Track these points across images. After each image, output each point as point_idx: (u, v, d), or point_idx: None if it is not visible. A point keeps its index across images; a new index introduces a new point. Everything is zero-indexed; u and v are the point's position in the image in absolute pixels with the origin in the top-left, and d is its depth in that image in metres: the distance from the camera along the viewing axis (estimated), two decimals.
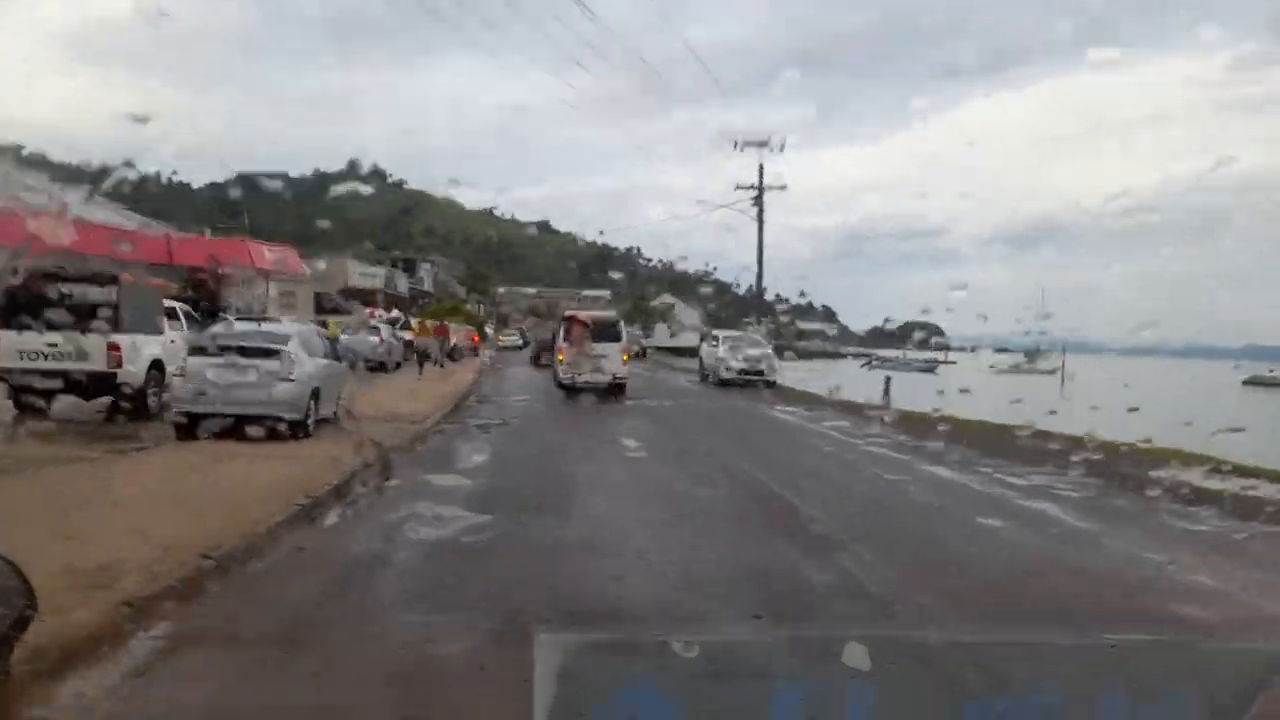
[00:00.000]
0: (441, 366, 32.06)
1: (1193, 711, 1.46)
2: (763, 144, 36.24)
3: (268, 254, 41.56)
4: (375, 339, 30.63)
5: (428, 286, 76.21)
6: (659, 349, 76.50)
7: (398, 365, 30.51)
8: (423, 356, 30.07)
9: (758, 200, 36.82)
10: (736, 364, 30.42)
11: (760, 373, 30.47)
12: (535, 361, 37.84)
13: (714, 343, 32.38)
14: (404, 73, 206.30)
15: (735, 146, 36.33)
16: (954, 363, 78.64)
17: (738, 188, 37.08)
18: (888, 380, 24.47)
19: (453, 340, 40.02)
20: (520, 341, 60.34)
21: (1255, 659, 1.59)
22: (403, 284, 68.09)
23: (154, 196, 48.19)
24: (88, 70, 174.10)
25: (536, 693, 1.42)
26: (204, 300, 43.74)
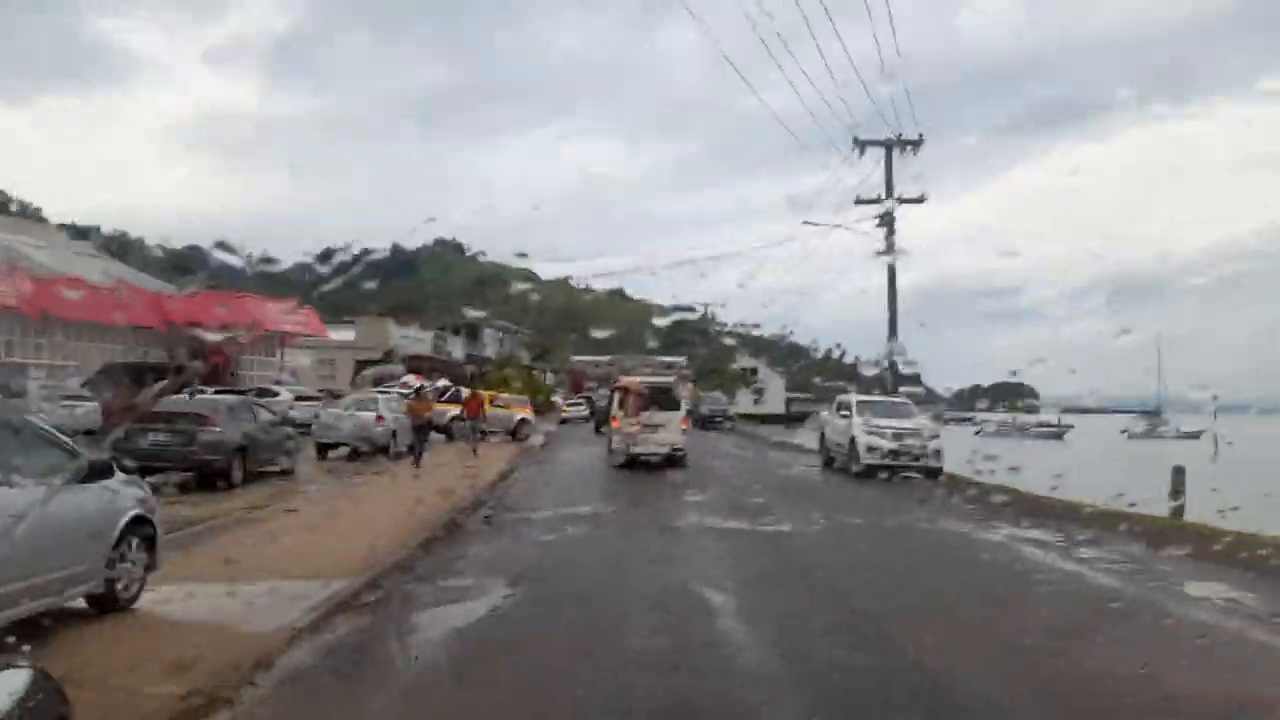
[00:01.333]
0: (475, 451, 22.89)
1: None
2: (895, 143, 26.63)
3: (277, 312, 33.44)
4: (372, 414, 21.68)
5: (489, 353, 67.95)
6: (744, 416, 67.31)
7: (411, 450, 21.32)
8: (421, 436, 20.87)
9: (886, 222, 27.04)
10: (886, 444, 20.40)
11: (921, 458, 20.38)
12: (598, 430, 32.48)
13: (845, 412, 22.33)
14: (480, 151, 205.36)
15: (855, 148, 26.82)
16: (1071, 426, 65.02)
17: (858, 201, 27.35)
18: (1178, 474, 14.13)
19: (514, 413, 30.94)
20: (587, 411, 51.24)
21: None
22: (458, 350, 59.83)
23: (244, 280, 42.96)
24: (188, 159, 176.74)
25: None
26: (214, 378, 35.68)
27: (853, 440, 21.13)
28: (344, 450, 22.18)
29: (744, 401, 76.93)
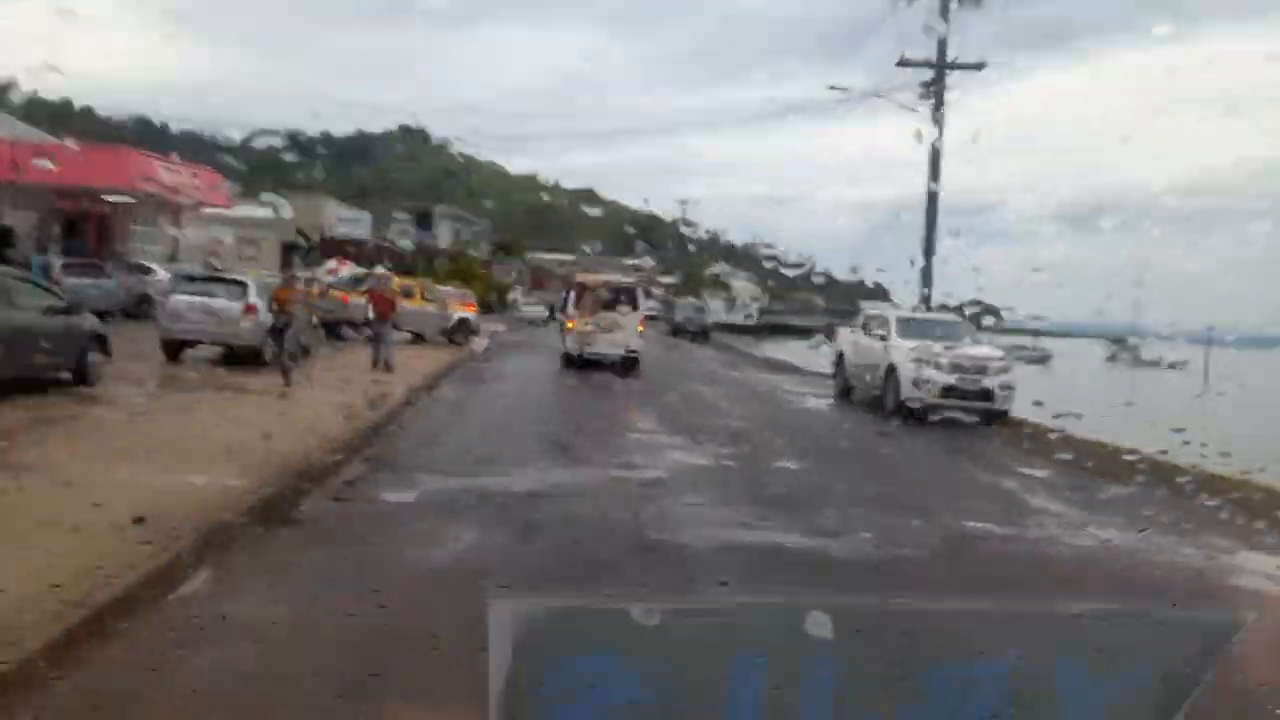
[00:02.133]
0: (382, 365, 16.76)
1: (1145, 679, 1.44)
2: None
3: (165, 174, 26.49)
4: (237, 303, 15.38)
5: (444, 244, 60.99)
6: (720, 326, 62.22)
7: (290, 357, 14.98)
8: (279, 339, 14.39)
9: (934, 85, 20.76)
10: (942, 377, 14.76)
11: (988, 397, 14.86)
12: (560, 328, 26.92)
13: (879, 332, 16.52)
14: (451, 34, 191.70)
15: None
16: (1050, 353, 64.33)
17: (901, 63, 20.98)
18: None
19: (450, 311, 24.90)
20: (545, 314, 45.23)
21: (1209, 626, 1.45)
22: (406, 240, 52.89)
23: (197, 151, 36.15)
24: (132, 24, 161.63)
25: (491, 661, 1.21)
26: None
27: (891, 369, 15.46)
28: (210, 352, 16.07)
29: (719, 310, 71.49)
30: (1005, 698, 1.40)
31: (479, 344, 25.46)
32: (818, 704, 1.33)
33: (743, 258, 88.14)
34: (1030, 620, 1.52)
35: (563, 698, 1.24)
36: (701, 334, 43.76)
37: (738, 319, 72.54)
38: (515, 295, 62.09)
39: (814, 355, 30.40)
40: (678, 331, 42.91)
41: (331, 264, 33.68)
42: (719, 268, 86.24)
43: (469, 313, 24.91)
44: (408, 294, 23.26)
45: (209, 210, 31.62)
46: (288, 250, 40.66)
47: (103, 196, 25.42)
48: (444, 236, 62.87)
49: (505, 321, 43.64)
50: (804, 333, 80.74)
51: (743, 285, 79.92)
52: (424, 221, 62.91)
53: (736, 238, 65.85)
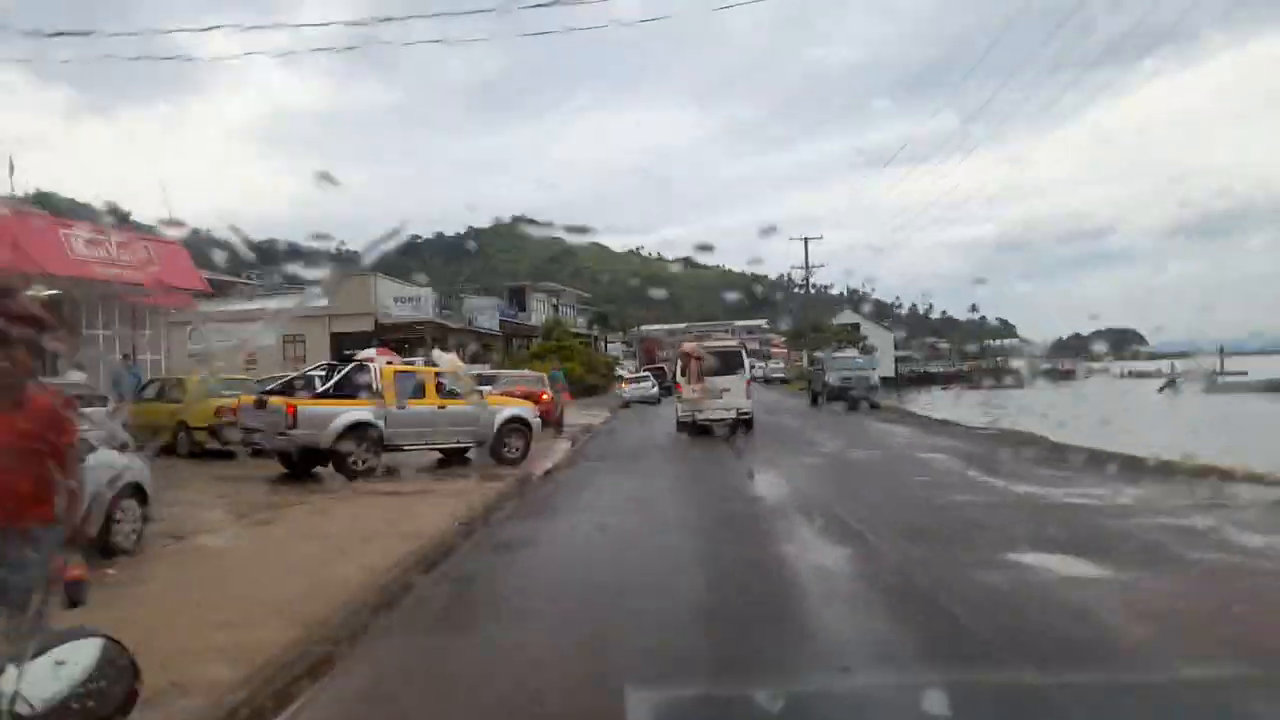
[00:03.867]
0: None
1: None
2: None
3: (81, 244, 17.72)
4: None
5: (536, 321, 51.89)
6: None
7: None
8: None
9: None
10: None
11: None
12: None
13: None
14: (545, 131, 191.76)
15: None
16: (1245, 373, 51.24)
17: None
18: None
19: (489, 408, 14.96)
20: (655, 390, 35.02)
21: None
22: (489, 318, 43.81)
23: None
24: (264, 160, 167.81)
25: None
26: None
27: None
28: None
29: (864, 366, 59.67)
30: None
31: (550, 457, 15.06)
32: None
33: (857, 305, 76.45)
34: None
35: None
36: (867, 401, 29.39)
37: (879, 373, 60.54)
38: (625, 371, 51.79)
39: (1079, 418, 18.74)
40: (834, 397, 29.33)
41: (368, 352, 24.40)
42: (847, 316, 74.04)
43: (526, 409, 14.54)
44: (415, 386, 13.30)
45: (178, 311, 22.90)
46: (338, 341, 31.86)
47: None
48: (540, 315, 53.80)
49: (609, 405, 33.38)
50: (947, 380, 67.35)
51: (879, 332, 67.64)
52: (517, 300, 54.18)
53: (841, 288, 56.62)
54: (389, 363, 14.22)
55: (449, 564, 7.32)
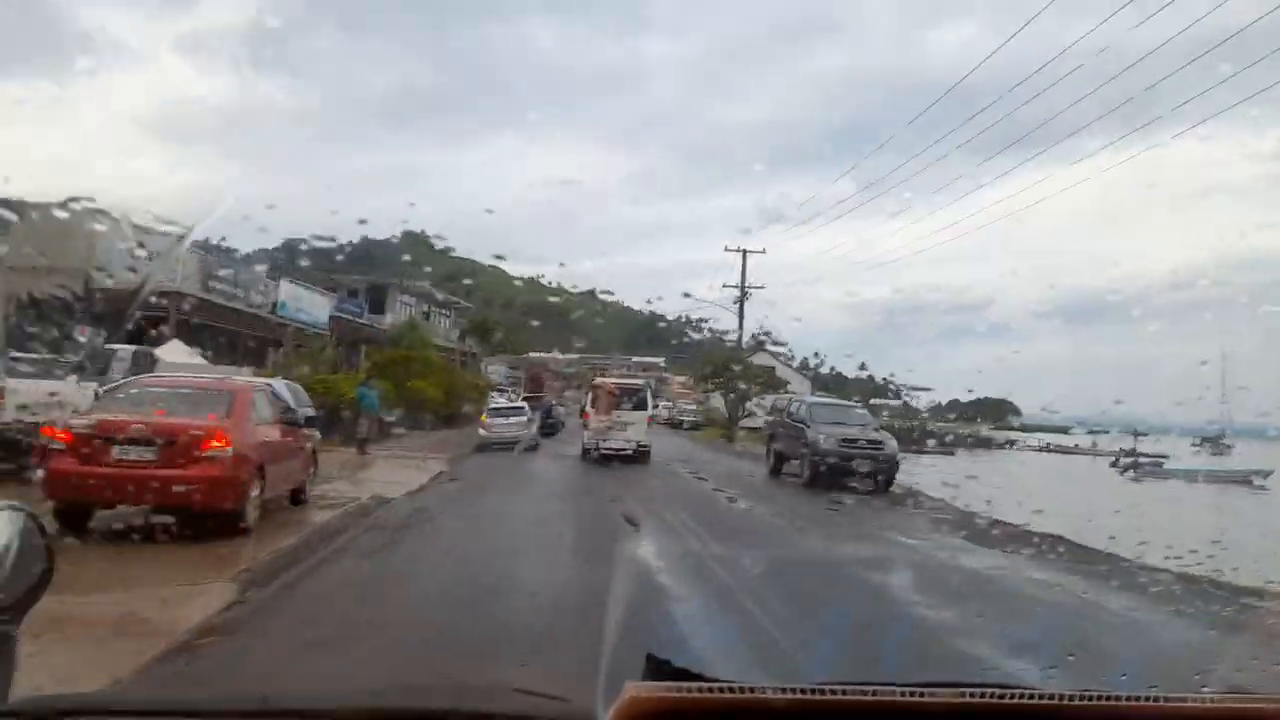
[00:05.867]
0: None
1: None
2: None
3: None
4: None
5: (389, 323, 39.30)
6: (752, 429, 42.17)
7: None
8: None
9: None
10: None
11: None
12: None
13: None
14: (452, 152, 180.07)
15: None
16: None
17: None
18: None
19: None
20: (527, 428, 23.36)
21: None
22: (317, 309, 31.26)
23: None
24: (158, 149, 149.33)
25: None
26: None
27: None
28: None
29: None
30: None
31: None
32: None
33: (763, 346, 68.36)
34: None
35: None
36: (884, 478, 16.81)
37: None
38: (501, 398, 38.85)
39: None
40: (831, 473, 16.61)
41: None
42: (762, 359, 63.96)
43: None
44: None
45: None
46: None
47: None
48: (393, 315, 41.31)
49: (462, 446, 21.68)
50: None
51: (797, 379, 57.92)
52: (375, 300, 41.73)
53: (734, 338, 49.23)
54: None
55: None
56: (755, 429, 47.27)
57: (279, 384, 12.89)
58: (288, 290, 27.64)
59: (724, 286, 41.39)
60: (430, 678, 3.93)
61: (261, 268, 26.67)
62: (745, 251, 40.15)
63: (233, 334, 23.44)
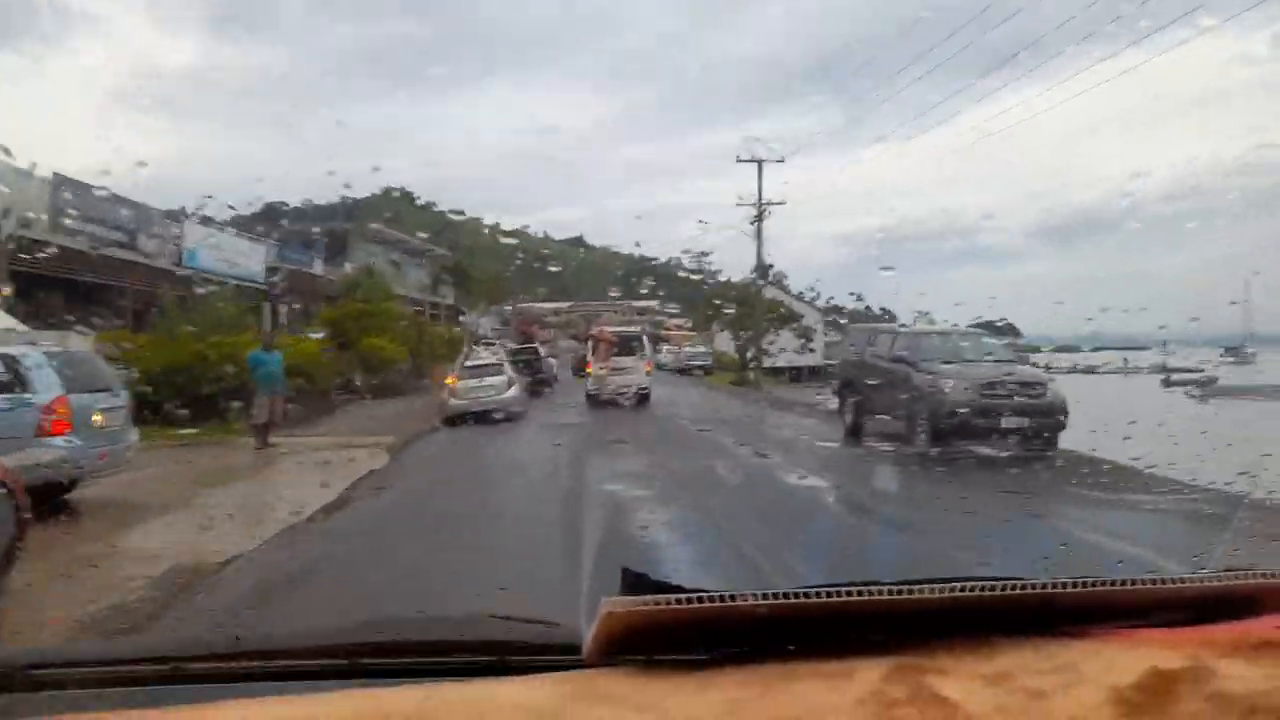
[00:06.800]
0: None
1: None
2: None
3: None
4: None
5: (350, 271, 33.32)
6: (769, 370, 38.62)
7: None
8: None
9: None
10: None
11: None
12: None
13: None
14: (433, 103, 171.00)
15: None
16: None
17: None
18: None
19: None
20: (508, 390, 17.80)
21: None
22: (249, 260, 25.38)
23: None
24: (127, 116, 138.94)
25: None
26: None
27: None
28: None
29: (789, 347, 45.18)
30: None
31: None
32: None
33: (775, 282, 63.04)
34: None
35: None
36: (1047, 435, 10.81)
37: (809, 360, 46.16)
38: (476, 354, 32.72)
39: None
40: (954, 432, 10.95)
41: None
42: (770, 293, 58.13)
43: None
44: None
45: None
46: None
47: None
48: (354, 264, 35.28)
49: (417, 422, 16.24)
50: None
51: (810, 313, 52.16)
52: (336, 248, 35.88)
53: (735, 276, 46.13)
54: None
55: None
56: (776, 370, 41.97)
57: (35, 355, 7.32)
58: (197, 235, 21.71)
59: (738, 204, 35.26)
60: None
61: (158, 209, 20.72)
62: (761, 162, 34.01)
63: (111, 290, 17.73)
